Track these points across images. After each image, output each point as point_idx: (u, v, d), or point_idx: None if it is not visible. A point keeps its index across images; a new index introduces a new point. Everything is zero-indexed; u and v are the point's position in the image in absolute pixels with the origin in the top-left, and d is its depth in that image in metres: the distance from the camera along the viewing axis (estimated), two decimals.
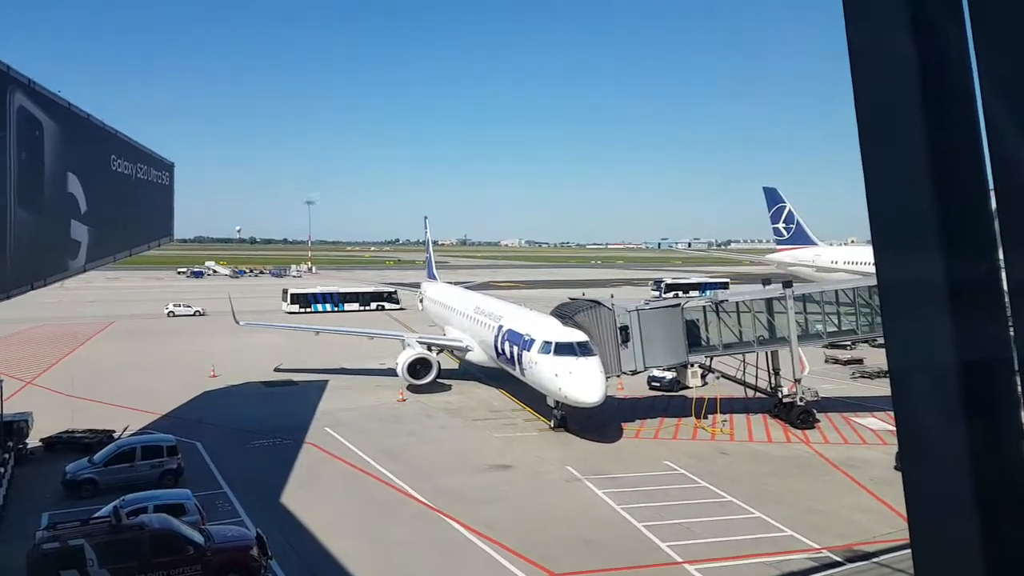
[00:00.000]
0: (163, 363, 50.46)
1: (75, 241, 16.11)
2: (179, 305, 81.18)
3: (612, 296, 36.22)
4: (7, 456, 26.74)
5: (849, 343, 48.92)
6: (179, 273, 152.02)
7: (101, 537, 17.66)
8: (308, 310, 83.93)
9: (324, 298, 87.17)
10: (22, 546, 17.90)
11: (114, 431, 31.09)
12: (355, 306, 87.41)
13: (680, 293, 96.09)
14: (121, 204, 20.87)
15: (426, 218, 77.60)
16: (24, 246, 12.71)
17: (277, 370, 47.90)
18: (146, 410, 36.29)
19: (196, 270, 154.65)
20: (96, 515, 19.84)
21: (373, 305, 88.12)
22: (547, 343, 31.02)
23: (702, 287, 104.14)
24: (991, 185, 1.63)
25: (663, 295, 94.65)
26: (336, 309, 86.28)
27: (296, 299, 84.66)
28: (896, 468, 26.86)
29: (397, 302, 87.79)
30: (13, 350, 55.29)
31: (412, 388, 40.58)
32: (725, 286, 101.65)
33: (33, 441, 29.52)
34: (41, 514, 22.28)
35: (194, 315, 78.53)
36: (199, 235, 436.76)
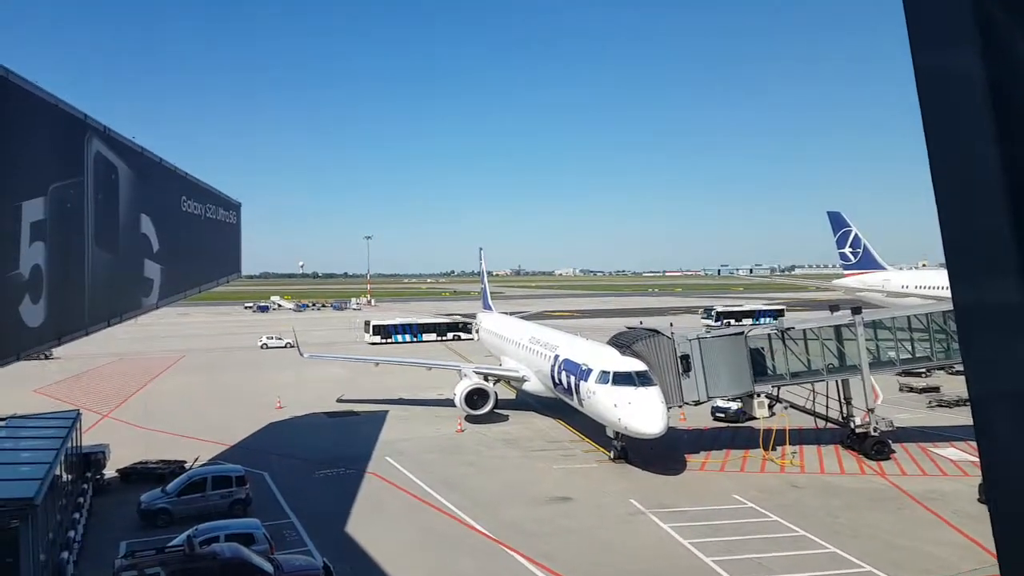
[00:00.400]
0: (231, 395, 51.98)
1: (148, 279, 16.71)
2: (272, 337, 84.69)
3: (672, 324, 35.66)
4: (86, 487, 27.87)
5: (924, 370, 46.88)
6: (246, 308, 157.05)
7: (176, 565, 18.15)
8: (389, 341, 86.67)
9: (403, 329, 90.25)
10: (101, 574, 18.53)
11: (185, 462, 32.06)
12: (432, 336, 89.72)
13: (733, 321, 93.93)
14: (191, 243, 21.64)
15: (481, 249, 78.41)
16: (101, 285, 13.24)
17: (339, 401, 48.73)
18: (215, 441, 37.36)
19: (262, 304, 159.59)
20: (171, 544, 20.42)
21: (450, 335, 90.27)
22: (605, 373, 30.69)
23: (756, 314, 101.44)
24: None
25: (715, 323, 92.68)
26: (415, 339, 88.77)
27: (378, 330, 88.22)
28: (980, 500, 25.39)
29: (470, 331, 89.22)
30: (92, 384, 57.93)
31: (470, 418, 40.65)
32: (781, 313, 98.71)
33: (110, 472, 30.68)
34: (119, 543, 23.06)
35: (285, 347, 79.92)
36: (264, 271, 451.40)
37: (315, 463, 33.16)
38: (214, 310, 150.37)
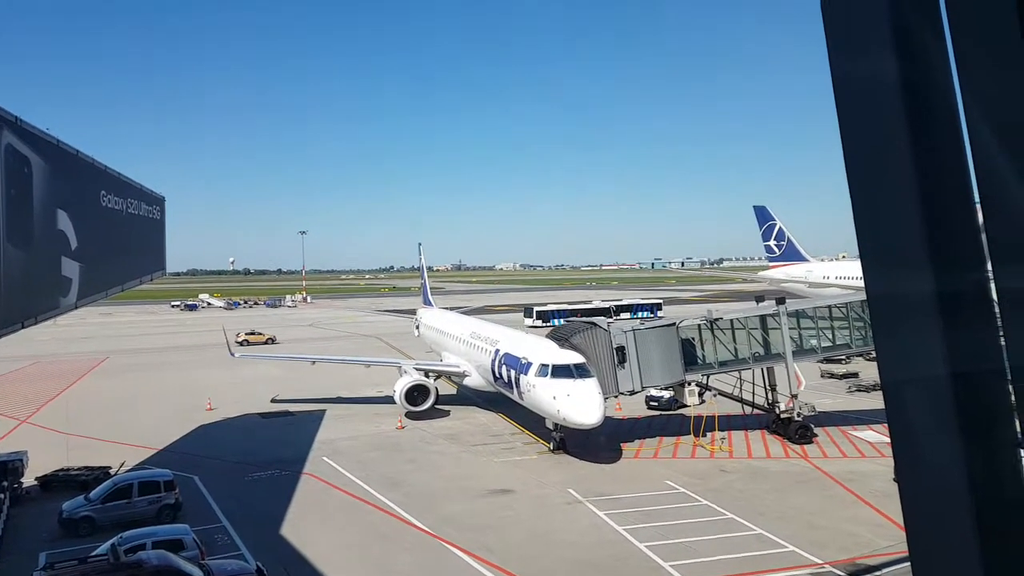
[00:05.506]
0: (158, 398, 50.11)
1: (66, 278, 16.08)
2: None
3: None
4: (2, 496, 26.50)
5: (844, 357, 49.10)
6: (173, 306, 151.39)
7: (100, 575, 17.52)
8: (548, 324, 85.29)
9: (560, 315, 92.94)
10: None
11: (110, 467, 30.81)
12: None
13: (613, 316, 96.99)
14: (112, 239, 20.86)
15: (420, 244, 77.94)
16: (14, 285, 12.70)
17: (274, 401, 47.64)
18: (142, 445, 36.03)
19: (190, 303, 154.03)
20: (94, 553, 19.67)
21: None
22: (544, 366, 31.08)
23: (634, 308, 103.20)
24: (976, 198, 1.66)
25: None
26: None
27: (540, 315, 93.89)
28: (895, 480, 26.82)
29: (616, 316, 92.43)
30: (6, 389, 54.91)
31: (410, 415, 40.44)
32: (658, 307, 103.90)
33: (29, 480, 29.24)
34: (38, 554, 22.06)
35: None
36: (192, 268, 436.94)
37: (248, 465, 32.40)
38: (139, 309, 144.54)
